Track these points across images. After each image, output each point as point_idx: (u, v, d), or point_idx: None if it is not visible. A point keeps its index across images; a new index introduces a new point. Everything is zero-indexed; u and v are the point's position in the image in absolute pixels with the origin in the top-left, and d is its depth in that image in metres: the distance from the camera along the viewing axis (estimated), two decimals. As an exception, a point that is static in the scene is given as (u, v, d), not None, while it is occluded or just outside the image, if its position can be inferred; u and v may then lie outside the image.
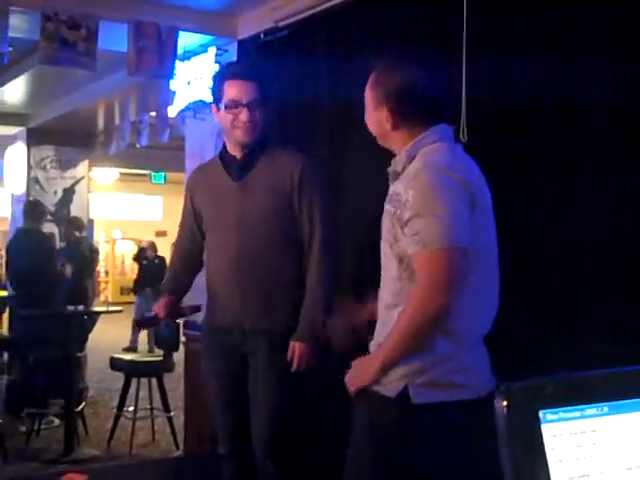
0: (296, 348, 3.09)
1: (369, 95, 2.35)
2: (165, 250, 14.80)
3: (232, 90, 3.15)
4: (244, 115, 3.12)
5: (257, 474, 3.22)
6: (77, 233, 7.80)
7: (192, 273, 3.47)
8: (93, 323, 7.41)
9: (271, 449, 3.14)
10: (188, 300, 3.52)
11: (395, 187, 2.26)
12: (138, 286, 12.69)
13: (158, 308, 3.38)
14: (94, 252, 7.97)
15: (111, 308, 7.29)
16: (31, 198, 9.36)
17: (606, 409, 0.99)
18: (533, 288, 3.16)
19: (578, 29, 3.00)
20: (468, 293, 2.17)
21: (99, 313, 7.46)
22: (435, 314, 2.12)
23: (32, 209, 7.37)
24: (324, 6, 4.25)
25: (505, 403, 0.94)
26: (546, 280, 3.15)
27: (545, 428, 0.95)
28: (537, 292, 3.16)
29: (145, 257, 13.09)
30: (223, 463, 3.36)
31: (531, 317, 3.12)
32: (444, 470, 2.20)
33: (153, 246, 13.28)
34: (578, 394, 0.98)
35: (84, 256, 7.76)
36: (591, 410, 0.98)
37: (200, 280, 3.36)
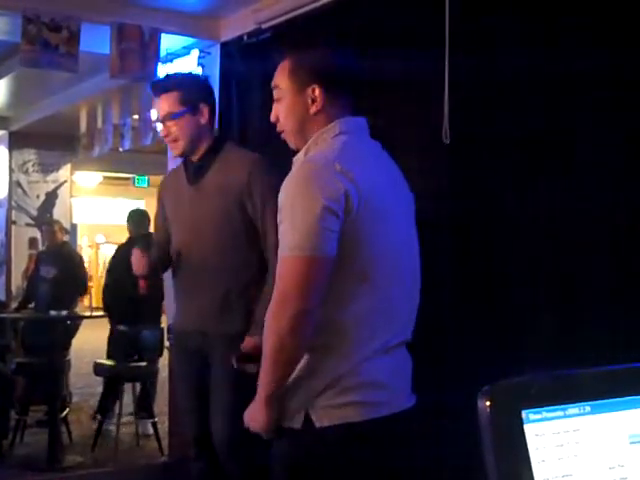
0: (246, 343, 3.05)
1: (285, 83, 2.22)
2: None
3: (155, 107, 3.27)
4: (161, 131, 3.20)
5: (222, 476, 3.23)
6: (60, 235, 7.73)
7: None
8: (76, 328, 7.37)
9: (232, 449, 3.13)
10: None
11: None
12: None
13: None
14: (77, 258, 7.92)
15: (95, 313, 7.24)
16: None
17: (589, 408, 0.98)
18: (527, 289, 3.15)
19: (566, 22, 2.99)
20: (356, 303, 2.09)
21: (83, 318, 7.42)
22: (289, 322, 2.01)
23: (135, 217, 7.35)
24: (307, 8, 4.25)
25: (488, 403, 0.94)
26: (541, 282, 3.13)
27: (528, 428, 0.95)
28: (534, 293, 3.14)
29: None
30: (191, 466, 3.37)
31: (528, 318, 3.12)
32: None
33: None
34: (561, 393, 0.98)
35: (66, 261, 7.68)
36: (574, 409, 0.97)
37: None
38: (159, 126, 3.21)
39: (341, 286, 2.09)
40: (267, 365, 2.09)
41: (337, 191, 2.00)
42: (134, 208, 7.72)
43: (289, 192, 2.08)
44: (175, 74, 3.91)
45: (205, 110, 3.20)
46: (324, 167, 2.05)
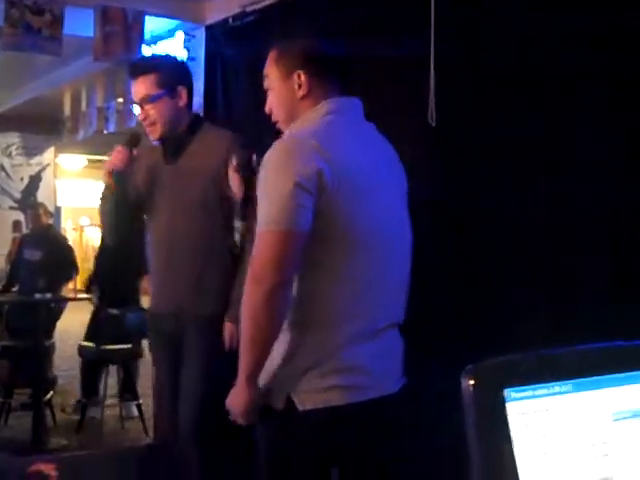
0: (226, 329, 3.05)
1: (273, 72, 2.28)
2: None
3: (131, 89, 3.19)
4: (139, 114, 3.14)
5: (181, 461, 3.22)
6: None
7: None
8: (60, 311, 7.35)
9: (196, 438, 3.09)
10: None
11: None
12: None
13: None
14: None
15: (79, 295, 7.24)
16: None
17: (570, 386, 0.99)
18: (523, 279, 3.15)
19: (558, 10, 2.98)
20: (335, 283, 2.11)
21: (67, 300, 7.40)
22: (262, 295, 2.03)
23: None
24: (292, -10, 4.24)
25: (472, 382, 0.95)
26: (537, 272, 3.13)
27: (510, 406, 0.96)
28: (530, 284, 3.14)
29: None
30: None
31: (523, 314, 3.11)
32: (350, 474, 2.19)
33: None
34: (544, 372, 0.99)
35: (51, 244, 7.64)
36: (556, 388, 0.99)
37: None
38: (136, 109, 3.17)
39: (320, 266, 2.11)
40: (245, 344, 2.10)
41: (310, 168, 2.03)
42: None
43: (266, 167, 2.11)
44: (152, 56, 3.86)
45: (183, 93, 3.16)
46: (299, 144, 2.09)
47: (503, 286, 3.16)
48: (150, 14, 4.94)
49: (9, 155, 9.72)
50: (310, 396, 2.10)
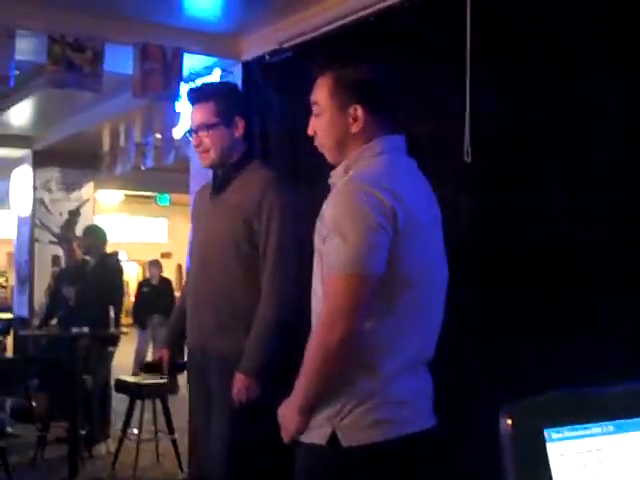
0: (236, 380, 2.98)
1: (326, 100, 2.19)
2: (170, 272, 14.67)
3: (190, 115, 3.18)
4: (193, 140, 3.12)
5: None
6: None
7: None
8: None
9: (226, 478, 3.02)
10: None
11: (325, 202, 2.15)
12: (140, 316, 10.78)
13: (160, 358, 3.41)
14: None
15: (114, 330, 7.24)
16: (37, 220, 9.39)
17: (612, 428, 0.98)
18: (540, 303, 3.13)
19: (588, 41, 2.98)
20: (389, 322, 2.08)
21: (102, 336, 7.41)
22: (339, 340, 1.98)
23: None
24: (329, 27, 4.27)
25: (510, 422, 0.93)
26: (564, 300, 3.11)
27: (551, 447, 0.94)
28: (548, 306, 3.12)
29: (146, 282, 11.44)
30: None
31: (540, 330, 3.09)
32: None
33: (157, 266, 11.40)
34: (583, 412, 0.97)
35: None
36: (596, 429, 0.97)
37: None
38: (191, 135, 3.14)
39: (376, 303, 2.06)
40: (309, 378, 2.08)
41: (386, 208, 2.00)
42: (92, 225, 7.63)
43: (339, 209, 2.06)
44: (213, 84, 3.81)
45: (240, 123, 3.11)
46: (372, 185, 2.04)
47: (536, 322, 3.13)
48: (188, 51, 5.00)
49: (49, 190, 9.84)
50: (356, 432, 2.07)
